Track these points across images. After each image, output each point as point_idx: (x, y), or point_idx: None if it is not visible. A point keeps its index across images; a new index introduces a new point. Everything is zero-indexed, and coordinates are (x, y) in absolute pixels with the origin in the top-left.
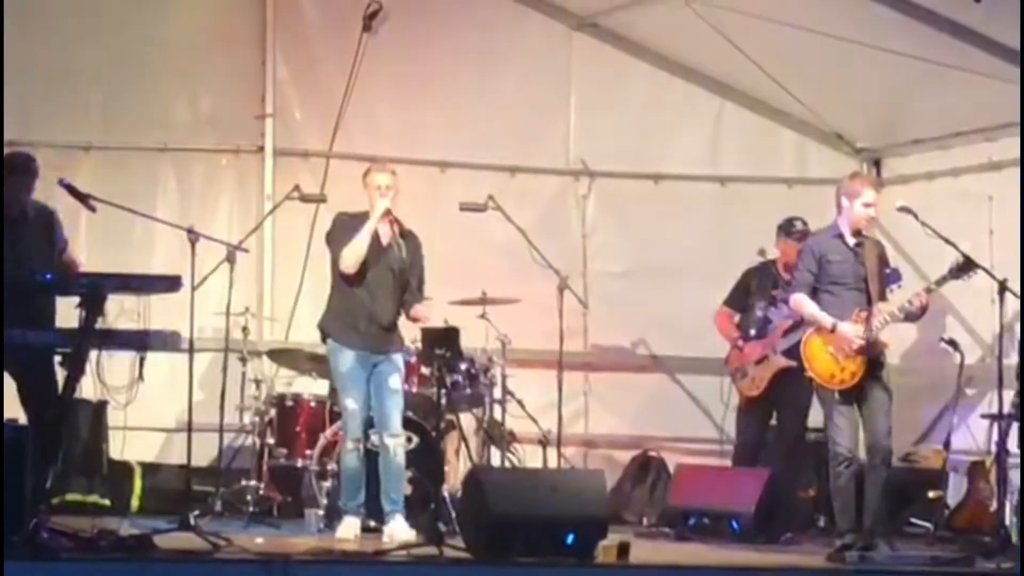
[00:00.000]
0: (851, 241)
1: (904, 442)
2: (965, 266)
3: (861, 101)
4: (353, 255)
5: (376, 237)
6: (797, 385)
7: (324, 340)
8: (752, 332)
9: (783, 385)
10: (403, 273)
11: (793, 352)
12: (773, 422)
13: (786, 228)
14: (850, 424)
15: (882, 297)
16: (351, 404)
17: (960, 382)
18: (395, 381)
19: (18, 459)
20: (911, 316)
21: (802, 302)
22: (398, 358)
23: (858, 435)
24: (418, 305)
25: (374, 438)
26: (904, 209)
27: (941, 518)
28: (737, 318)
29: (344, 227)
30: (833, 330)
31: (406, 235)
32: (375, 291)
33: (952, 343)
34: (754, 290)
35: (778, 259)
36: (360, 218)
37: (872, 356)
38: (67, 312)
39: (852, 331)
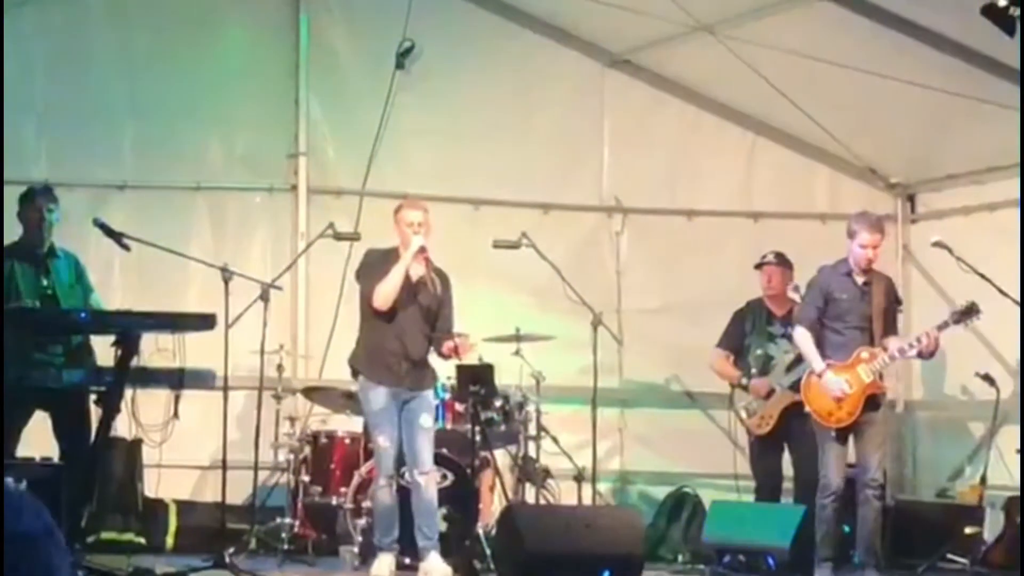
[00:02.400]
0: (859, 279)
1: (940, 477)
2: (968, 311)
3: (894, 136)
4: (387, 292)
5: (407, 274)
6: (805, 419)
7: (355, 377)
8: (754, 371)
9: (793, 420)
10: (433, 310)
11: (798, 386)
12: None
13: (758, 265)
14: (840, 459)
15: (888, 334)
16: (383, 441)
17: (995, 417)
18: (426, 419)
19: (53, 498)
20: (922, 354)
21: (801, 339)
22: (429, 395)
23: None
24: (453, 341)
25: (405, 475)
26: (939, 244)
27: (978, 554)
28: (732, 359)
29: (374, 264)
30: (820, 376)
31: (436, 273)
32: (406, 328)
33: (987, 378)
34: (748, 330)
35: (764, 296)
36: (390, 254)
37: (870, 397)
38: (102, 351)
39: (835, 384)
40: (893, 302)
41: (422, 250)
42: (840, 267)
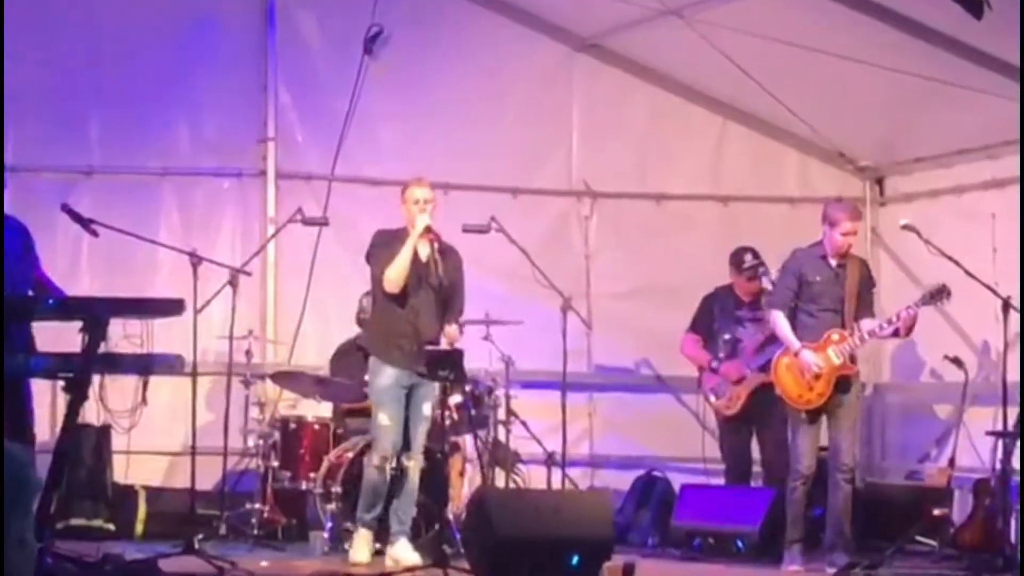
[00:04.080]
0: (833, 262)
1: (909, 460)
2: (938, 292)
3: (863, 119)
4: (396, 275)
5: (416, 254)
6: (773, 401)
7: (366, 358)
8: (721, 355)
9: (760, 401)
10: (444, 290)
11: (767, 367)
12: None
13: (736, 263)
14: (812, 443)
15: (862, 316)
16: (385, 419)
17: (964, 399)
18: (428, 408)
19: None
20: (898, 332)
21: (776, 321)
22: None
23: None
24: (449, 328)
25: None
26: (908, 227)
27: (946, 536)
28: (701, 343)
29: (383, 245)
30: (796, 355)
31: (445, 251)
32: (417, 309)
33: (956, 360)
34: (717, 314)
35: (733, 284)
36: (399, 234)
37: (841, 379)
38: (70, 336)
39: (812, 360)
40: (868, 284)
41: (427, 230)
42: (815, 250)
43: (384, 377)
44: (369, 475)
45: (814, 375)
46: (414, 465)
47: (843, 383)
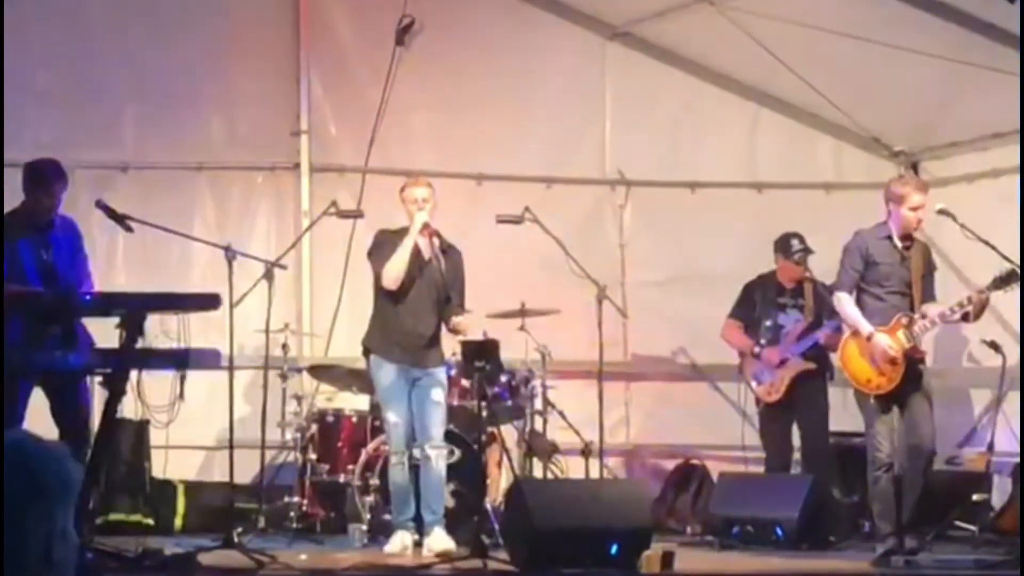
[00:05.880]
0: (899, 244)
1: (947, 445)
2: (1008, 277)
3: (897, 104)
4: (394, 271)
5: (417, 252)
6: (815, 387)
7: (367, 356)
8: (763, 341)
9: (801, 388)
10: (444, 287)
11: (809, 355)
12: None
13: (784, 248)
14: (889, 430)
15: (926, 300)
16: (393, 418)
17: (1002, 384)
18: (438, 394)
19: None
20: (967, 317)
21: (843, 303)
22: (440, 372)
23: (895, 440)
24: (457, 317)
25: (415, 451)
26: (943, 212)
27: (986, 521)
28: (743, 329)
29: (384, 243)
30: (869, 339)
31: (446, 249)
32: (416, 306)
33: (993, 344)
34: (759, 301)
35: (778, 271)
36: (400, 234)
37: (911, 363)
38: (106, 332)
39: (887, 343)
40: (930, 268)
41: (426, 227)
42: (879, 231)
43: (385, 375)
44: (391, 475)
45: (890, 359)
46: (437, 455)
47: (913, 369)
